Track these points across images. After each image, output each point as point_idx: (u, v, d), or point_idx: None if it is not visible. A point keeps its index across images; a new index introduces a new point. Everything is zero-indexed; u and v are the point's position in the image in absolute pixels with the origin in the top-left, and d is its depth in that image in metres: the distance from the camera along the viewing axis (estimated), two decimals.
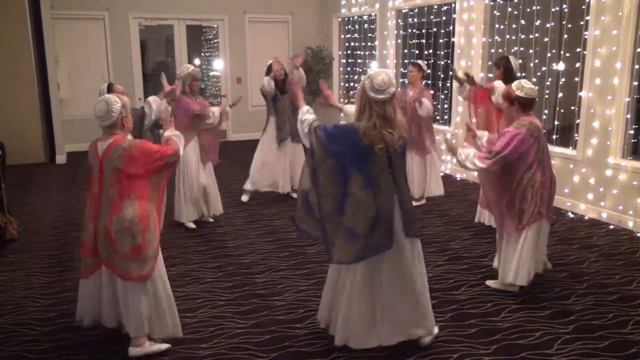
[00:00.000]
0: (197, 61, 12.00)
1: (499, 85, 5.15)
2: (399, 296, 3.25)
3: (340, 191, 3.18)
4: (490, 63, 7.42)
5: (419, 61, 6.51)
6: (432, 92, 7.96)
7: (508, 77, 5.16)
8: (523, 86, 3.96)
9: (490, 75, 7.43)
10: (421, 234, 3.42)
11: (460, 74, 5.92)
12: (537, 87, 4.13)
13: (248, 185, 6.80)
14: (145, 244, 3.23)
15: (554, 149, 6.47)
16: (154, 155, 3.26)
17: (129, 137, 3.44)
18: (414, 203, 6.22)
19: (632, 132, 5.74)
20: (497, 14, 7.27)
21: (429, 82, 8.31)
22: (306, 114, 3.31)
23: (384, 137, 3.06)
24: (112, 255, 3.25)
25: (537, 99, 4.06)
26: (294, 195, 6.88)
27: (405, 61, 9.35)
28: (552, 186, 4.12)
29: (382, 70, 3.14)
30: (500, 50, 7.20)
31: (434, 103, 6.84)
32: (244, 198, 6.82)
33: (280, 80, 6.63)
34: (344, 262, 3.22)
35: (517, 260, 4.00)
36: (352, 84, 11.20)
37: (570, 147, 6.34)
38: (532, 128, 3.93)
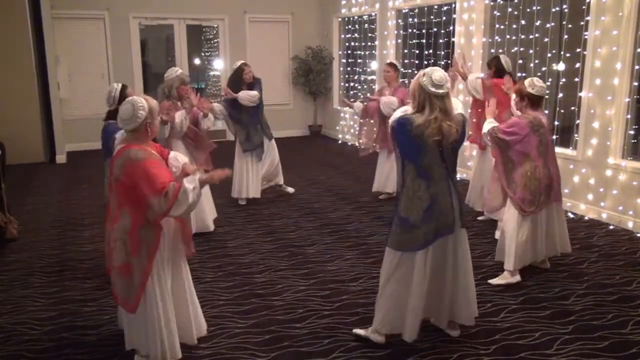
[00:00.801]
0: (197, 61, 12.00)
1: (470, 77, 5.67)
2: (460, 285, 3.46)
3: (399, 182, 3.40)
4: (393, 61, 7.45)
5: (394, 61, 6.82)
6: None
7: (498, 75, 5.42)
8: (535, 84, 4.20)
9: None
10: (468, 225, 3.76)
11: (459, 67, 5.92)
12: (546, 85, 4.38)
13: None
14: (131, 268, 3.01)
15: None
16: (152, 186, 2.90)
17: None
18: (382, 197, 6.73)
19: (632, 132, 5.74)
20: (497, 14, 7.27)
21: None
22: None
23: (442, 129, 3.17)
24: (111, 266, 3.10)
25: (543, 97, 4.29)
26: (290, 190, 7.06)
27: (406, 61, 9.35)
28: (555, 181, 4.36)
29: (435, 67, 3.27)
30: (500, 50, 7.19)
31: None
32: (242, 202, 6.76)
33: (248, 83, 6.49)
34: (404, 249, 3.34)
35: (514, 248, 4.26)
36: (351, 84, 11.20)
37: (570, 148, 6.34)
38: (534, 122, 4.17)
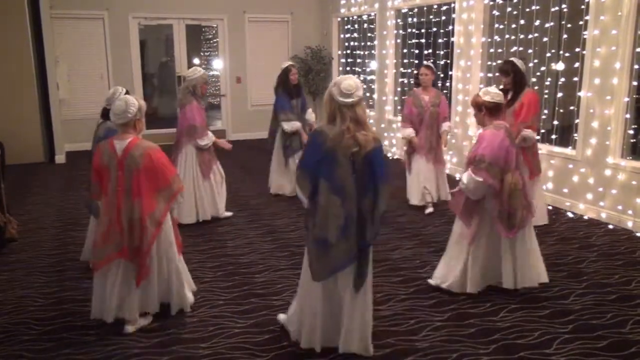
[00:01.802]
0: (196, 61, 12.00)
1: (527, 135, 5.23)
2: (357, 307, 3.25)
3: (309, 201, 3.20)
4: (489, 63, 7.43)
5: (430, 62, 6.36)
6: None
7: (519, 81, 5.30)
8: (489, 91, 4.02)
9: (490, 75, 7.44)
10: (371, 242, 3.23)
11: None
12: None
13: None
14: (142, 249, 3.52)
15: (553, 148, 6.49)
16: (158, 181, 3.54)
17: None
18: (429, 210, 6.20)
19: (631, 132, 5.74)
20: (497, 13, 7.28)
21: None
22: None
23: (358, 140, 3.05)
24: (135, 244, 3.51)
25: (502, 104, 4.02)
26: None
27: (405, 61, 9.36)
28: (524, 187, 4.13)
29: (347, 76, 3.17)
30: (499, 50, 7.20)
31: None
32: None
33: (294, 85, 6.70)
34: (322, 278, 3.18)
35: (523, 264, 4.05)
36: None
37: (570, 147, 6.34)
38: (509, 133, 3.99)
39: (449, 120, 6.38)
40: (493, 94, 4.01)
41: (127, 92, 4.39)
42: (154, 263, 3.62)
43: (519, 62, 5.34)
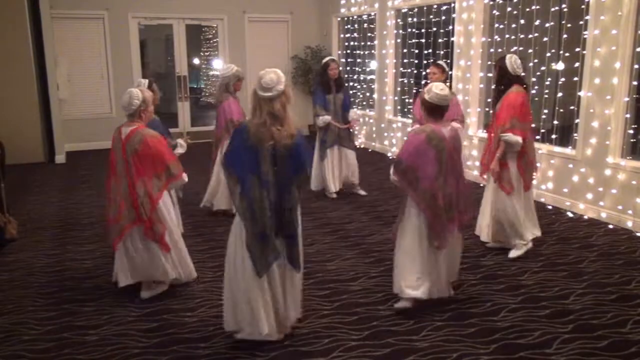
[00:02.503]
0: (196, 60, 12.01)
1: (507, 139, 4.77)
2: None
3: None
4: (489, 62, 7.43)
5: (440, 61, 6.02)
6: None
7: (500, 77, 4.74)
8: (431, 90, 3.70)
9: (490, 75, 7.44)
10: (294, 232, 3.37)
11: None
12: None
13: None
14: (152, 222, 3.92)
15: (553, 148, 6.49)
16: (161, 159, 3.90)
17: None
18: None
19: (631, 131, 5.74)
20: (497, 13, 7.28)
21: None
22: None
23: (273, 134, 3.13)
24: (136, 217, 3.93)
25: (444, 107, 3.73)
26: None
27: (405, 61, 9.36)
28: (457, 199, 3.78)
29: (271, 69, 3.21)
30: (499, 50, 7.20)
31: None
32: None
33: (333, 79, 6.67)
34: (265, 272, 3.32)
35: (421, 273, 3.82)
36: (351, 84, 11.20)
37: (570, 147, 6.34)
38: (432, 135, 3.66)
39: (461, 122, 5.80)
40: (434, 93, 3.68)
41: (150, 82, 4.90)
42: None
43: (511, 59, 4.70)
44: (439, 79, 5.63)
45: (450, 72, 8.16)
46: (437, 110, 3.71)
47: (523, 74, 4.75)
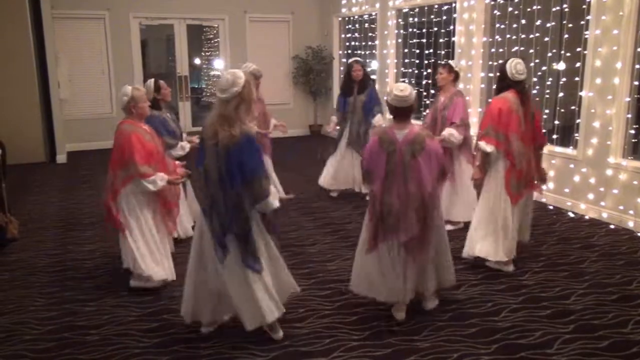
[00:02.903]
0: (197, 60, 12.00)
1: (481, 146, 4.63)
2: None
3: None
4: (490, 63, 7.42)
5: (451, 61, 5.75)
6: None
7: (499, 81, 4.52)
8: (392, 90, 3.55)
9: (491, 75, 7.43)
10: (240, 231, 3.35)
11: None
12: (410, 92, 3.53)
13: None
14: (108, 210, 4.19)
15: (554, 148, 6.48)
16: (123, 155, 4.09)
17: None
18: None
19: (632, 131, 5.73)
20: (498, 13, 7.27)
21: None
22: None
23: (217, 133, 3.19)
24: None
25: (406, 108, 3.53)
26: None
27: (406, 61, 9.35)
28: (404, 211, 3.56)
29: (232, 70, 3.25)
30: (500, 50, 7.19)
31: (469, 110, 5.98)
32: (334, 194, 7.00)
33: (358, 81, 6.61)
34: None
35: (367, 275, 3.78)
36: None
37: (571, 147, 6.33)
38: (384, 138, 3.58)
39: (459, 127, 5.42)
40: (393, 94, 3.51)
41: (156, 80, 5.23)
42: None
43: (512, 64, 4.39)
44: (445, 80, 5.51)
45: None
46: (399, 112, 3.56)
47: (522, 77, 4.40)
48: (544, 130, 4.81)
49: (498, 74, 4.60)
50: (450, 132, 5.35)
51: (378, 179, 3.59)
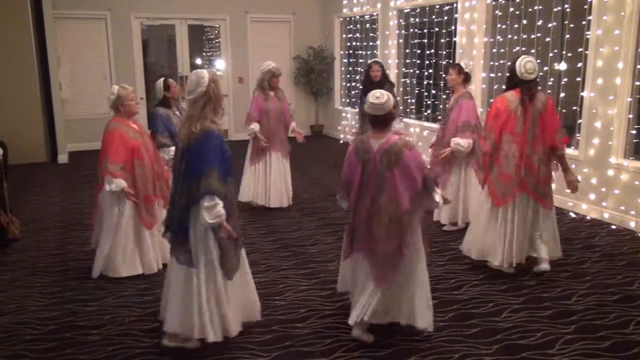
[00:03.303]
0: (198, 61, 12.00)
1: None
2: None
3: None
4: (492, 63, 7.42)
5: (462, 62, 5.56)
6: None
7: (508, 80, 4.39)
8: (368, 98, 3.34)
9: (492, 75, 7.43)
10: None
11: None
12: (386, 97, 3.30)
13: None
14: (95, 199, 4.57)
15: None
16: (104, 150, 4.38)
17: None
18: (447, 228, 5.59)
19: (634, 132, 5.73)
20: (499, 13, 7.27)
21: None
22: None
23: (180, 134, 3.28)
24: None
25: (383, 116, 3.31)
26: None
27: (407, 61, 9.35)
28: (372, 219, 3.35)
29: (196, 71, 3.24)
30: (502, 50, 7.19)
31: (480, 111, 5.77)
32: None
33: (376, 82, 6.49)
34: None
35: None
36: (353, 84, 11.20)
37: (572, 147, 6.33)
38: (360, 147, 3.39)
39: (469, 130, 5.23)
40: (369, 102, 3.33)
41: (165, 79, 5.44)
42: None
43: (522, 62, 4.21)
44: (455, 81, 5.40)
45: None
46: (376, 120, 3.34)
47: (532, 77, 4.19)
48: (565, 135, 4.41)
49: (508, 73, 4.41)
50: (456, 143, 5.24)
51: (354, 189, 3.42)
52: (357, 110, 6.98)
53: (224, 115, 3.70)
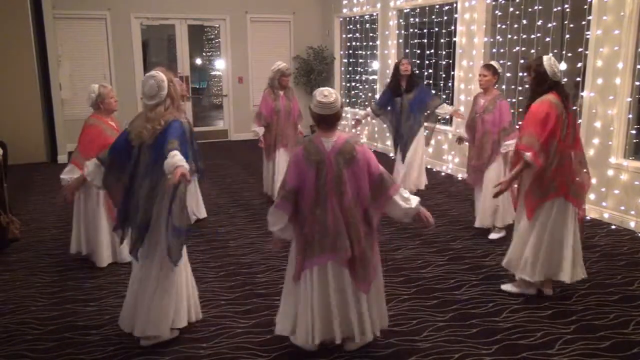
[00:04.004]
0: (198, 61, 12.01)
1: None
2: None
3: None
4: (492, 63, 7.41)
5: (493, 62, 5.37)
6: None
7: (539, 84, 3.90)
8: (315, 96, 3.13)
9: None
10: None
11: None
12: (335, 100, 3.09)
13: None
14: None
15: None
16: (79, 143, 4.86)
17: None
18: (495, 235, 5.32)
19: (633, 132, 5.73)
20: (499, 13, 7.27)
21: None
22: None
23: (142, 135, 3.29)
24: None
25: (331, 116, 3.12)
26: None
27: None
28: (339, 221, 3.13)
29: (151, 73, 3.30)
30: (502, 50, 7.19)
31: (512, 111, 5.50)
32: None
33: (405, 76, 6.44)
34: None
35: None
36: (353, 84, 11.20)
37: None
38: (310, 149, 3.14)
39: (515, 131, 5.02)
40: (316, 101, 3.11)
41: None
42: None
43: (549, 62, 3.88)
44: (490, 82, 5.16)
45: (452, 73, 8.19)
46: (324, 120, 3.14)
47: (561, 76, 3.95)
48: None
49: (531, 74, 3.96)
50: (506, 144, 5.03)
51: (308, 196, 3.14)
52: (364, 111, 6.89)
53: (184, 111, 4.03)
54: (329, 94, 3.10)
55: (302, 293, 3.23)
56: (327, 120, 3.13)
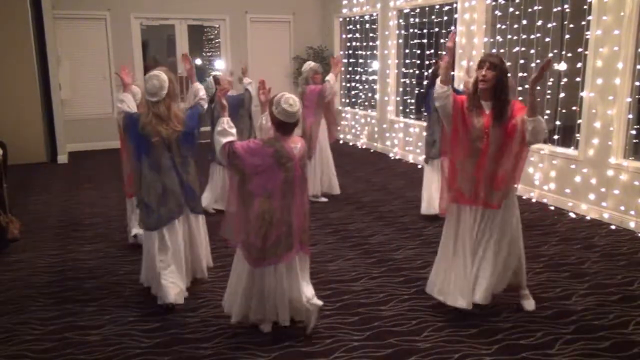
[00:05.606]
0: (198, 61, 12.00)
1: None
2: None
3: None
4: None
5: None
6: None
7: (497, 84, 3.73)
8: (279, 103, 3.27)
9: None
10: (201, 212, 4.16)
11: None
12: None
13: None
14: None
15: (555, 149, 6.48)
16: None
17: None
18: None
19: (633, 132, 5.73)
20: (499, 13, 7.27)
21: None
22: None
23: (160, 132, 3.76)
24: None
25: (294, 124, 3.33)
26: None
27: (407, 61, 9.35)
28: (305, 217, 3.46)
29: (154, 73, 3.74)
30: (501, 51, 7.19)
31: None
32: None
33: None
34: (150, 228, 3.90)
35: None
36: (353, 84, 11.21)
37: (572, 147, 6.33)
38: (279, 150, 3.30)
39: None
40: (282, 108, 3.26)
41: (215, 76, 6.61)
42: None
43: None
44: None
45: (452, 73, 8.17)
46: (286, 127, 3.34)
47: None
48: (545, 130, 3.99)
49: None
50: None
51: (276, 194, 3.32)
52: (366, 112, 6.89)
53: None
54: (294, 103, 3.29)
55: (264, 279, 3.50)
56: (288, 127, 3.37)
